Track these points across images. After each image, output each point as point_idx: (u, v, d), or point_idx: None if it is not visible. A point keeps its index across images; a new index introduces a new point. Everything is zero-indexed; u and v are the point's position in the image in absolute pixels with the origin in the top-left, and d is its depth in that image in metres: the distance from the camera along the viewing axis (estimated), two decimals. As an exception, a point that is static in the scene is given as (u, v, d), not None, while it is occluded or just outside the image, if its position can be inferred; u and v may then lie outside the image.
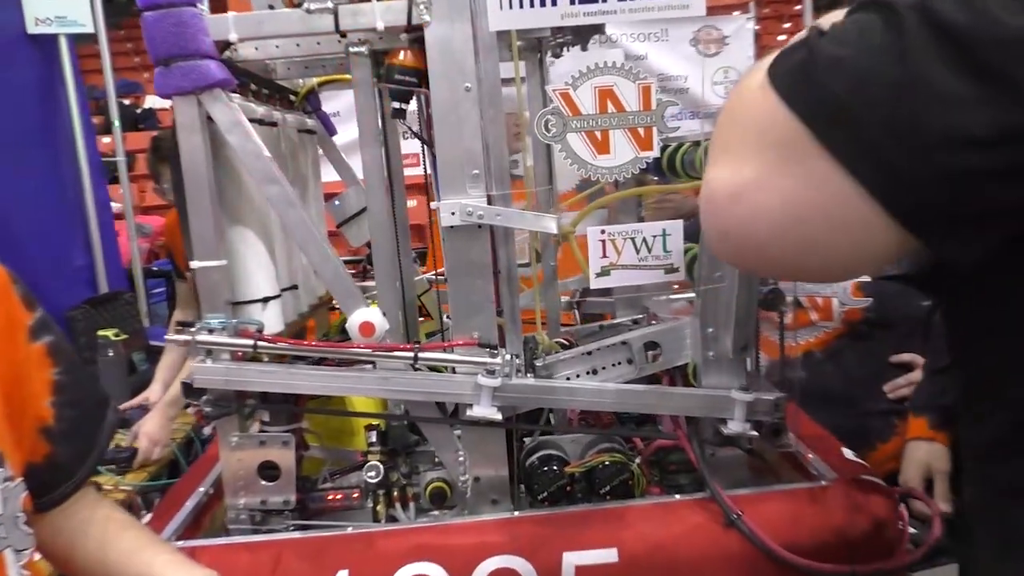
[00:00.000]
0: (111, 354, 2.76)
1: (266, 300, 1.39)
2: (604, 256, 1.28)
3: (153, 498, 2.19)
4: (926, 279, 1.76)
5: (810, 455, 1.39)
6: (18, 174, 3.22)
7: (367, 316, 1.27)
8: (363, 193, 1.91)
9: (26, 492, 0.92)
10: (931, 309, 1.82)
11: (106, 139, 4.61)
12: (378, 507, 1.41)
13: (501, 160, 1.26)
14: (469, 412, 1.27)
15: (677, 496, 1.30)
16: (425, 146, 1.37)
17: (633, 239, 1.28)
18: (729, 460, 1.35)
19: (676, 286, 1.44)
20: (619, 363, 1.39)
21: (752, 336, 1.30)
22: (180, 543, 1.26)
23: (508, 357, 1.29)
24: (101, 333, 2.83)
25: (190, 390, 1.30)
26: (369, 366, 1.31)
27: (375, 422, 1.51)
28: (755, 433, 1.29)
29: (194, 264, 1.27)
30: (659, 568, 1.19)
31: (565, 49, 1.55)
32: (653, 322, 1.80)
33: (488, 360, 1.27)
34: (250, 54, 1.42)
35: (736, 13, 4.46)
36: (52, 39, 3.52)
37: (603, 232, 1.27)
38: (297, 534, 1.30)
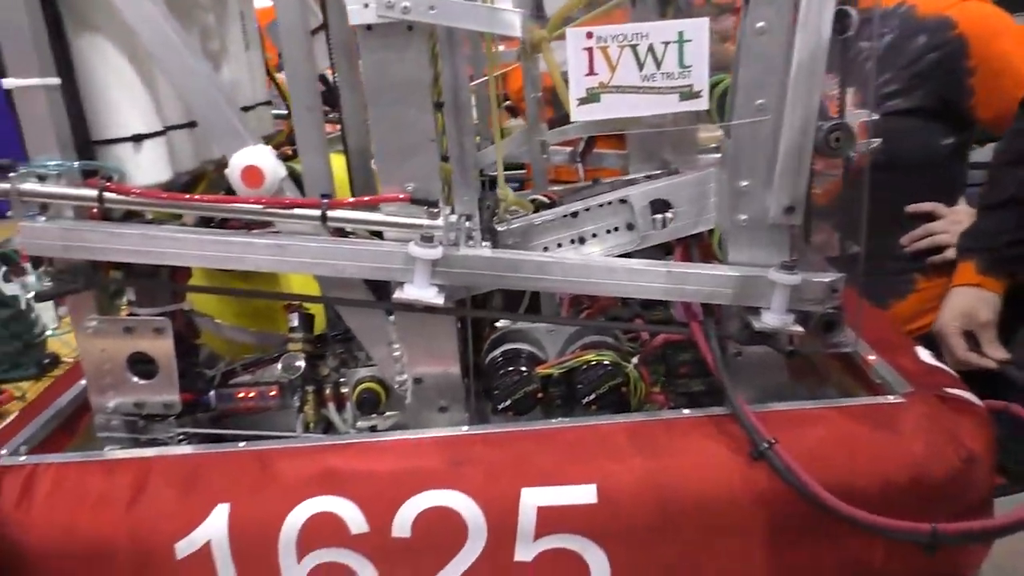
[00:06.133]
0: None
1: (139, 139, 1.02)
2: (591, 73, 0.88)
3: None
4: (945, 111, 1.56)
5: (872, 357, 1.02)
6: None
7: (252, 158, 0.90)
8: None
9: None
10: (955, 146, 1.61)
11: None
12: (306, 408, 1.10)
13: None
14: (398, 293, 0.92)
15: (686, 411, 0.94)
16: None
17: (635, 47, 0.87)
18: (761, 363, 0.98)
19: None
20: (615, 229, 1.02)
21: (802, 194, 0.91)
22: (23, 459, 0.96)
23: (454, 219, 0.92)
24: None
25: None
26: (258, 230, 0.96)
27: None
28: (799, 328, 0.92)
29: (8, 83, 0.89)
30: (650, 515, 0.85)
31: None
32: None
33: (425, 222, 0.90)
34: None
35: None
36: None
37: (589, 36, 0.86)
38: (180, 449, 0.99)
